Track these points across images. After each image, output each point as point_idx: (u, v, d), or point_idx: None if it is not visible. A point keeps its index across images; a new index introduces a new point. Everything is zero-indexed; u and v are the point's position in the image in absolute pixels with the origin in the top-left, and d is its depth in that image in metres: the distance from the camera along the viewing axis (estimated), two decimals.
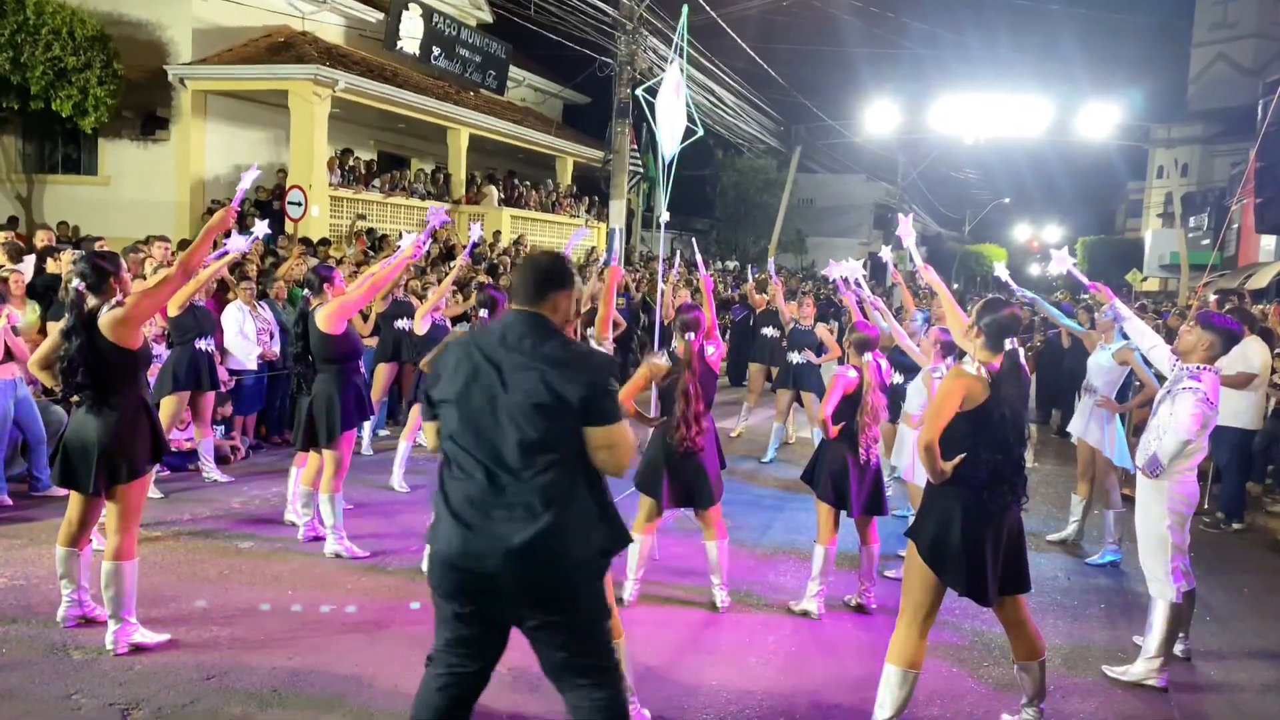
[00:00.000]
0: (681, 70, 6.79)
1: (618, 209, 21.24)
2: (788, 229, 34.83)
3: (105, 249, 5.66)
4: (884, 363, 5.51)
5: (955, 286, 54.18)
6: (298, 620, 4.96)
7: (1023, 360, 3.87)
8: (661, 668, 4.63)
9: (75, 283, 4.44)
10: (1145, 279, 35.23)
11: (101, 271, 4.43)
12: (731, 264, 31.33)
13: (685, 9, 6.85)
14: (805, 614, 5.45)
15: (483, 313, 5.94)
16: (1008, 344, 3.80)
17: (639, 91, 7.30)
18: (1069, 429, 7.55)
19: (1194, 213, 35.25)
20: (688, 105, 6.80)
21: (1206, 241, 30.26)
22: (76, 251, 9.61)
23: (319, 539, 6.17)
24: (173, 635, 4.64)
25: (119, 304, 4.42)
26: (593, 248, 23.22)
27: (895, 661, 3.88)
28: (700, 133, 7.05)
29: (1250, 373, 7.61)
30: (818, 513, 5.53)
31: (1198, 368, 4.68)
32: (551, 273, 2.87)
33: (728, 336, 16.69)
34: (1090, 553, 7.05)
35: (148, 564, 5.72)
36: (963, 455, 3.73)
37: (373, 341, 10.05)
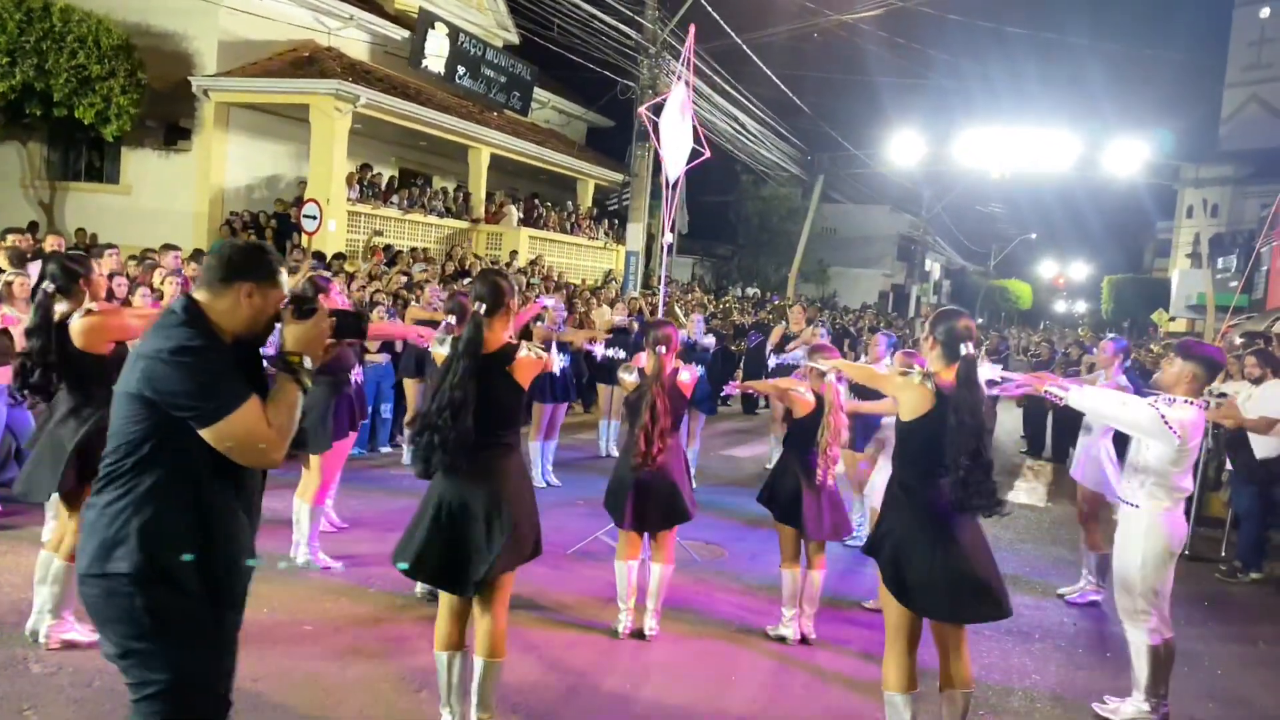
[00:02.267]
0: (688, 84, 6.66)
1: (636, 232, 21.16)
2: (810, 258, 34.65)
3: (76, 252, 5.64)
4: (843, 387, 5.36)
5: (980, 320, 53.81)
6: (269, 641, 4.82)
7: (979, 372, 3.72)
8: (637, 696, 4.46)
9: (45, 284, 4.38)
10: (1172, 319, 34.74)
11: (71, 274, 4.38)
12: (751, 290, 31.18)
13: (692, 28, 6.75)
14: (780, 639, 5.35)
15: (450, 319, 5.42)
16: (963, 349, 3.68)
17: (643, 110, 7.20)
18: (1071, 473, 7.31)
19: (1222, 253, 34.75)
20: (695, 128, 6.68)
21: (1235, 283, 29.86)
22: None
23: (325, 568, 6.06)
24: None
25: (89, 311, 4.32)
26: (609, 270, 23.16)
27: (889, 688, 3.80)
28: (707, 154, 6.93)
29: (1273, 418, 7.36)
30: (780, 536, 5.40)
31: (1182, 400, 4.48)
32: (241, 260, 2.58)
33: (741, 363, 16.54)
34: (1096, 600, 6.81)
35: None
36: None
37: (378, 357, 9.98)
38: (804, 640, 5.37)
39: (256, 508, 2.70)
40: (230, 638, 2.56)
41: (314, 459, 6.02)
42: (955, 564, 3.64)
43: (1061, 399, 4.34)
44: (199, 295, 2.55)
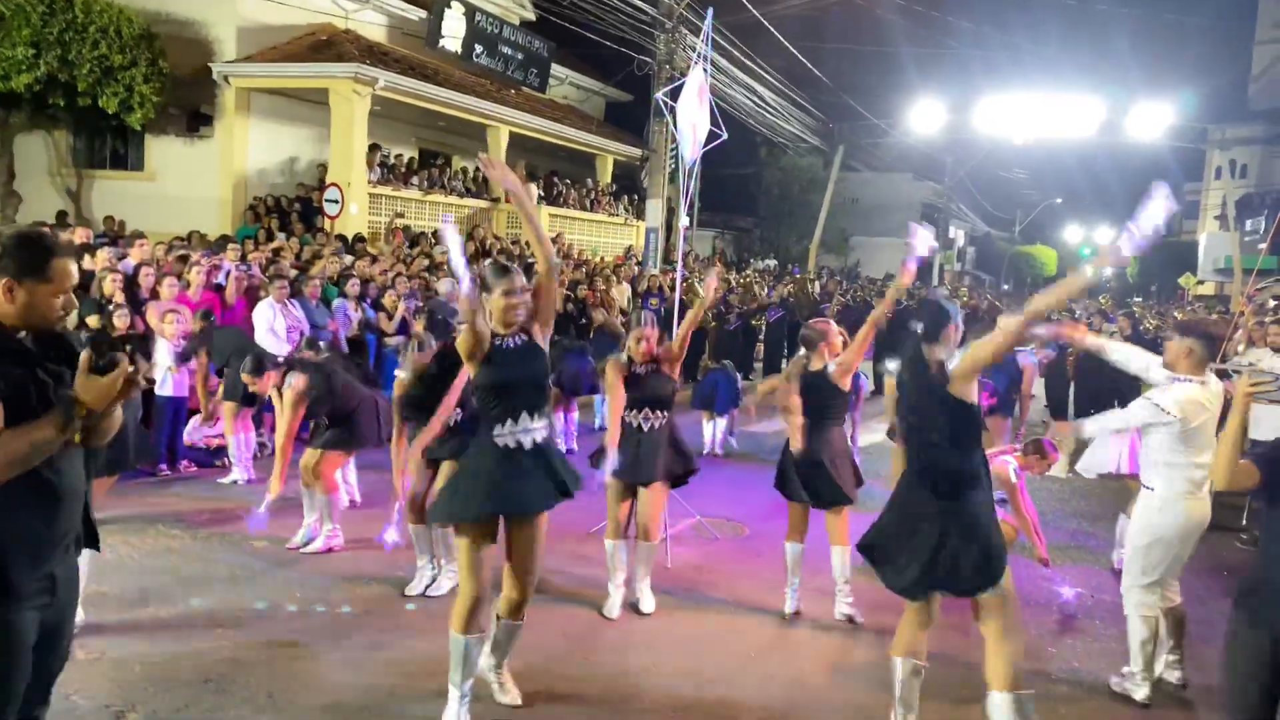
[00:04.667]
0: (705, 73, 6.70)
1: (655, 208, 21.18)
2: (831, 228, 34.47)
3: None
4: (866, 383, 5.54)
5: (1005, 287, 53.30)
6: (301, 624, 4.98)
7: (924, 349, 3.78)
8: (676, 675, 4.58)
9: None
10: (1200, 283, 34.35)
11: None
12: (771, 263, 31.11)
13: (710, 13, 6.77)
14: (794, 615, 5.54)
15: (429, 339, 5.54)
16: (913, 325, 3.86)
17: (659, 96, 7.25)
18: None
19: (1251, 215, 34.30)
20: (712, 109, 6.72)
21: (1263, 245, 29.49)
22: (112, 250, 9.80)
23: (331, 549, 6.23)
24: (177, 636, 4.69)
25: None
26: (629, 246, 23.20)
27: (892, 651, 3.93)
28: (724, 136, 6.96)
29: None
30: (789, 511, 5.56)
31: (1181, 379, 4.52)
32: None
33: (761, 337, 16.61)
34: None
35: (162, 561, 5.82)
36: None
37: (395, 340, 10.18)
38: (850, 621, 5.45)
39: (67, 497, 2.52)
40: (19, 639, 2.44)
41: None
42: (946, 538, 3.70)
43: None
44: None
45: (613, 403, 5.33)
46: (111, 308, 7.93)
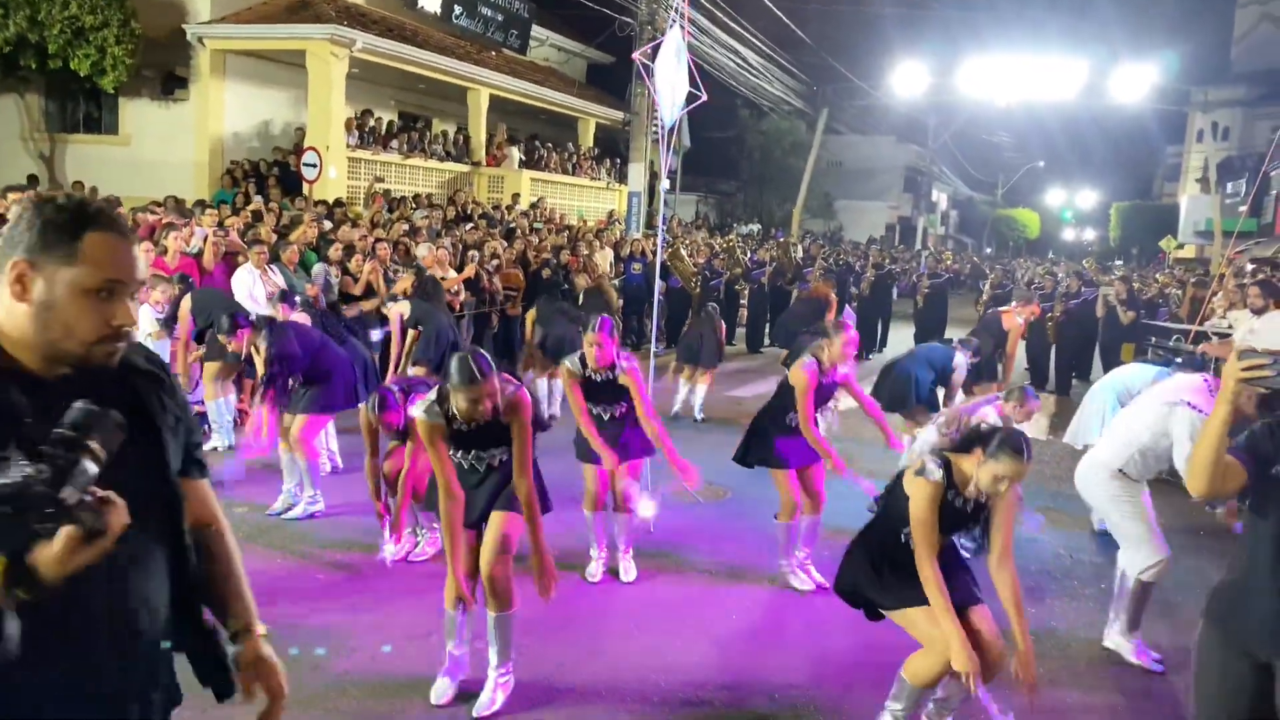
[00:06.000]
0: (683, 30, 6.62)
1: (637, 171, 21.03)
2: (815, 192, 34.39)
3: None
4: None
5: (988, 250, 53.45)
6: (282, 590, 4.97)
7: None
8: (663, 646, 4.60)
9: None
10: (1180, 245, 34.51)
11: None
12: (754, 227, 31.03)
13: None
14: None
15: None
16: None
17: (637, 55, 7.17)
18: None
19: (1232, 178, 34.39)
20: (691, 70, 6.64)
21: (1244, 209, 29.67)
22: None
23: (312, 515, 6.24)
24: None
25: None
26: (612, 210, 23.06)
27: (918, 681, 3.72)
28: (703, 97, 6.89)
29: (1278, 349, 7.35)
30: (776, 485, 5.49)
31: None
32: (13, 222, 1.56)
33: (744, 299, 16.60)
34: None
35: None
36: None
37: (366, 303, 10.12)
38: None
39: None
40: None
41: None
42: None
43: None
44: None
45: (577, 415, 5.15)
46: None
